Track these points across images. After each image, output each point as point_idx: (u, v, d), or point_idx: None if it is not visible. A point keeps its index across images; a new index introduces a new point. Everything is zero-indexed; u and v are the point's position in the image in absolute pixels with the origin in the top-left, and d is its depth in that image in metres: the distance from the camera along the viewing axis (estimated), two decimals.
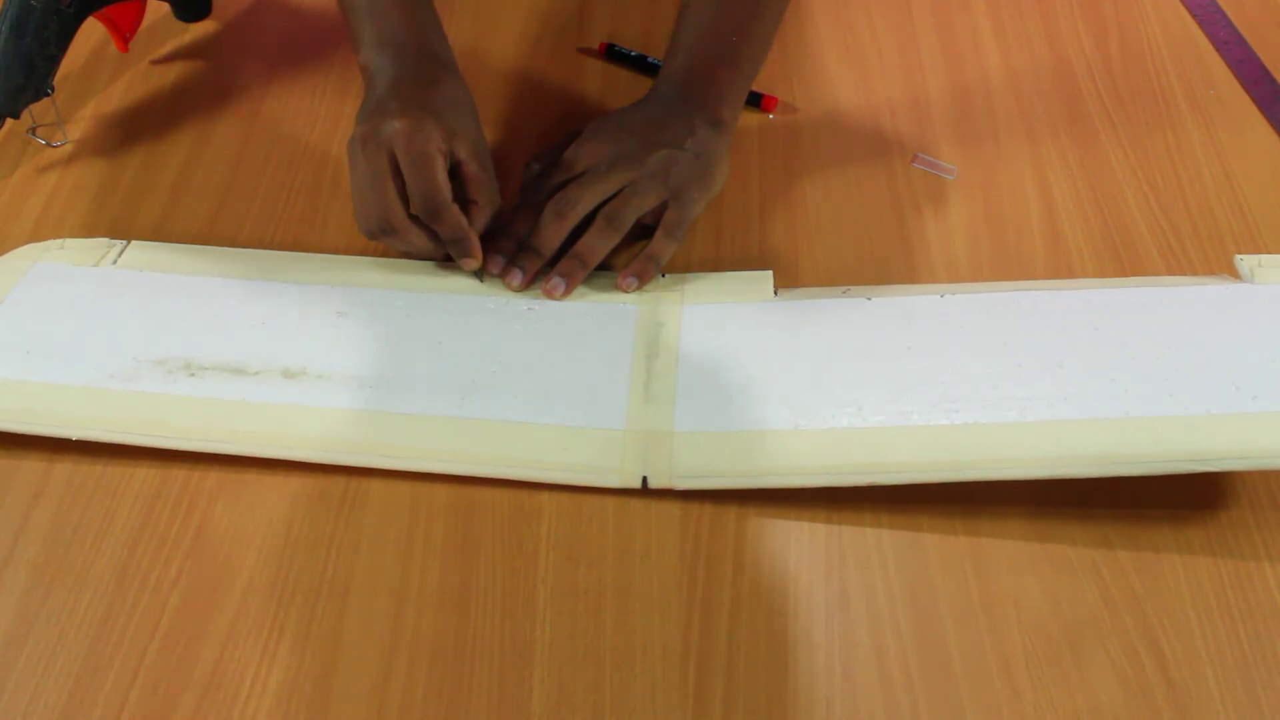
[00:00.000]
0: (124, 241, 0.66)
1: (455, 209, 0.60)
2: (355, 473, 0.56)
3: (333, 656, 0.50)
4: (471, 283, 0.63)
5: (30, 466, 0.56)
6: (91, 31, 0.75)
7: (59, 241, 0.67)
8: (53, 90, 0.70)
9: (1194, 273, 0.64)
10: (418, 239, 0.60)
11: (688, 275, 0.64)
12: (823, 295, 0.62)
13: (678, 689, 0.48)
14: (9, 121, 0.70)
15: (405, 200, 0.60)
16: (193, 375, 0.58)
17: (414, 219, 0.60)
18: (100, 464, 0.56)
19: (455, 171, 0.61)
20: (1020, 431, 0.53)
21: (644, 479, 0.54)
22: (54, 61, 0.70)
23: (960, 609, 0.51)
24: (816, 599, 0.51)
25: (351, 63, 0.79)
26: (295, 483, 0.55)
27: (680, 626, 0.50)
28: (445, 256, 0.63)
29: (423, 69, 0.63)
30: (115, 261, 0.65)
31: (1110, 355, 0.56)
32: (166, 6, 0.80)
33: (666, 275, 0.64)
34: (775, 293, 0.62)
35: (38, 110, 0.72)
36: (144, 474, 0.56)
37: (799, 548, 0.53)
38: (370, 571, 0.52)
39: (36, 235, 0.67)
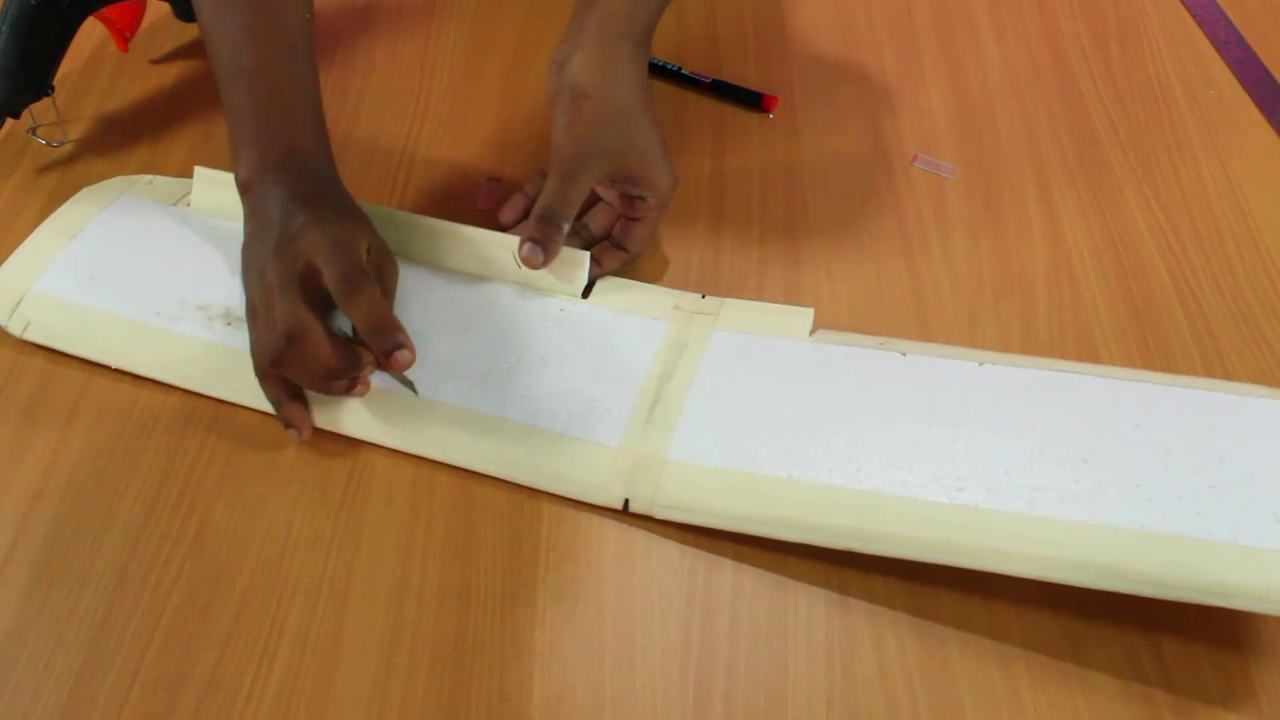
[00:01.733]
0: None
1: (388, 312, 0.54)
2: (355, 472, 0.56)
3: (333, 656, 0.49)
4: (510, 268, 0.62)
5: (31, 465, 0.56)
6: (91, 31, 0.75)
7: (148, 177, 0.70)
8: (53, 90, 0.70)
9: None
10: (326, 354, 0.53)
11: (727, 300, 0.61)
12: (857, 343, 0.58)
13: (678, 689, 0.48)
14: (9, 121, 0.70)
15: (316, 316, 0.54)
16: (229, 325, 0.60)
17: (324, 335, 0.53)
18: (101, 462, 0.56)
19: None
20: (1021, 524, 0.49)
21: (625, 501, 0.54)
22: (54, 61, 0.70)
23: (960, 608, 0.51)
24: (817, 599, 0.51)
25: (351, 61, 0.79)
26: (295, 483, 0.55)
27: (680, 626, 0.50)
28: (345, 389, 0.56)
29: (316, 190, 0.58)
30: (190, 203, 0.67)
31: (1143, 459, 0.50)
32: (166, 6, 0.80)
33: (707, 296, 0.62)
34: (811, 332, 0.59)
35: (38, 110, 0.72)
36: (144, 473, 0.56)
37: (799, 547, 0.53)
38: (370, 571, 0.52)
39: None
